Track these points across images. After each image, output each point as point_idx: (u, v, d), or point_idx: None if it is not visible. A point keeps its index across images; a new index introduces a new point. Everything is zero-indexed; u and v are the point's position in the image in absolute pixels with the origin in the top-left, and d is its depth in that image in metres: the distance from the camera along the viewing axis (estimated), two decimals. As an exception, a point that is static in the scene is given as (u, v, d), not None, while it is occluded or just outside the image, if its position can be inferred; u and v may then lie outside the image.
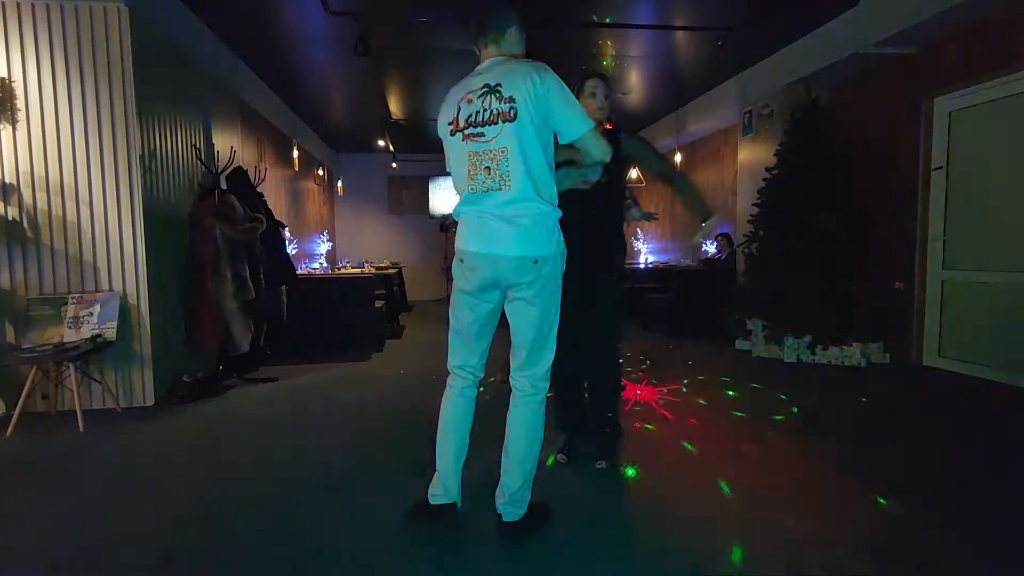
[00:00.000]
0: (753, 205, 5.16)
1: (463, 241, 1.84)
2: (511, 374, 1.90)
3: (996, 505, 2.15)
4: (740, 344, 5.19)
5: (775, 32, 5.07)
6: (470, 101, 1.79)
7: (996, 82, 3.91)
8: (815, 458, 2.61)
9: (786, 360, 4.67)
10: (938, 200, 4.39)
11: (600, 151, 1.81)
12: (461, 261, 1.85)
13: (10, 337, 3.40)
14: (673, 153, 8.13)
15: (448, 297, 2.28)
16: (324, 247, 8.70)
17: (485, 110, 1.75)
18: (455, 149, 1.84)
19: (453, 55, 5.51)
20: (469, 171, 1.80)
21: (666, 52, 5.64)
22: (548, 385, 1.89)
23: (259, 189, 4.78)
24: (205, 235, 3.94)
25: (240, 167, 4.58)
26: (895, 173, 4.65)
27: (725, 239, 6.82)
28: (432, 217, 9.71)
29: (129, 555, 1.85)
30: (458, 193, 1.90)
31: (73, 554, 1.86)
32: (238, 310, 4.00)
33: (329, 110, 7.58)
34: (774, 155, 5.04)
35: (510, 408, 1.88)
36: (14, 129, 3.35)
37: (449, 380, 1.99)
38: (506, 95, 1.72)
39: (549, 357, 1.87)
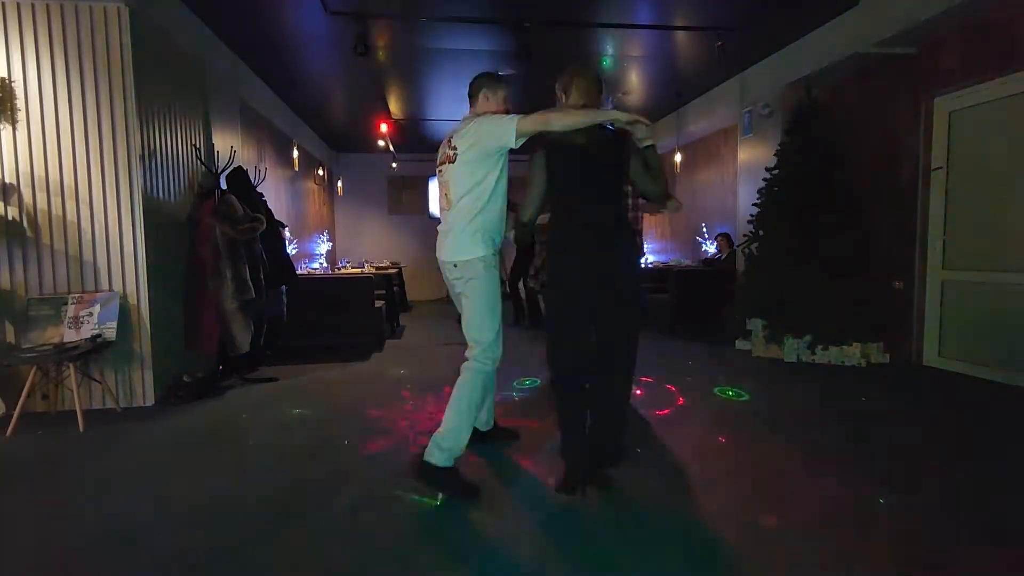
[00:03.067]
0: (753, 205, 5.16)
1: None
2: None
3: (996, 505, 2.15)
4: (740, 344, 5.19)
5: (775, 32, 5.07)
6: (441, 147, 2.44)
7: (996, 82, 3.91)
8: (814, 458, 2.61)
9: (786, 360, 4.67)
10: (938, 200, 4.39)
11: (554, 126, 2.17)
12: None
13: (10, 337, 3.40)
14: (673, 153, 8.13)
15: (447, 296, 2.70)
16: (324, 247, 8.70)
17: (443, 154, 2.41)
18: (438, 179, 2.50)
19: (453, 55, 5.51)
20: (439, 196, 2.50)
21: (666, 52, 5.64)
22: (488, 361, 2.34)
23: (259, 189, 4.78)
24: (205, 235, 3.94)
25: (240, 167, 4.58)
26: (895, 173, 4.65)
27: (725, 239, 6.81)
28: (432, 217, 9.72)
29: (129, 555, 1.85)
30: None
31: (73, 554, 1.86)
32: (238, 310, 4.00)
33: (329, 110, 7.58)
34: (774, 155, 5.04)
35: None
36: (14, 129, 3.35)
37: None
38: (453, 144, 2.35)
39: (484, 337, 2.33)
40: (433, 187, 9.59)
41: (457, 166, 2.32)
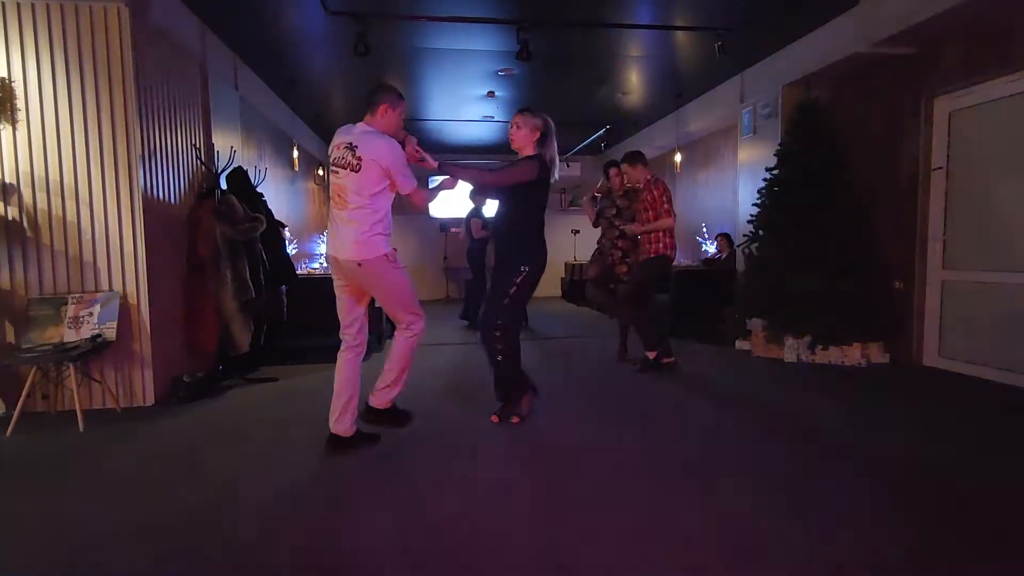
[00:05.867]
0: (753, 205, 5.16)
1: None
2: None
3: (996, 505, 2.15)
4: (740, 344, 5.19)
5: (775, 32, 5.07)
6: (338, 148, 2.61)
7: (996, 82, 3.91)
8: (814, 458, 2.61)
9: (786, 360, 4.67)
10: (938, 200, 4.39)
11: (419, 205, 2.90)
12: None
13: (10, 337, 3.40)
14: (673, 153, 8.14)
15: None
16: (324, 247, 8.69)
17: (343, 158, 2.57)
18: (330, 176, 2.69)
19: (453, 55, 5.51)
20: (331, 194, 2.69)
21: (666, 52, 5.64)
22: (419, 332, 2.85)
23: (259, 189, 4.78)
24: (205, 235, 3.94)
25: (240, 167, 4.58)
26: (895, 173, 4.65)
27: (725, 239, 6.81)
28: (432, 217, 9.71)
29: (128, 555, 1.85)
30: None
31: (73, 554, 1.86)
32: (238, 310, 4.00)
33: (329, 110, 7.58)
34: (774, 155, 5.04)
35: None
36: (14, 129, 3.35)
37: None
38: (359, 155, 2.53)
39: (413, 314, 2.83)
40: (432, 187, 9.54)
41: (361, 176, 2.53)
